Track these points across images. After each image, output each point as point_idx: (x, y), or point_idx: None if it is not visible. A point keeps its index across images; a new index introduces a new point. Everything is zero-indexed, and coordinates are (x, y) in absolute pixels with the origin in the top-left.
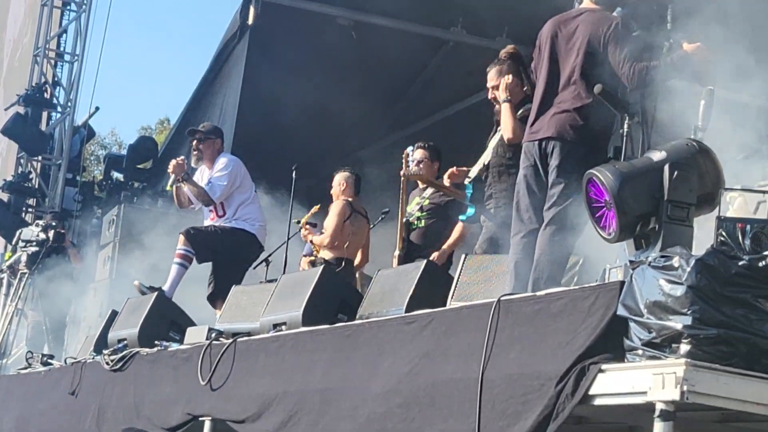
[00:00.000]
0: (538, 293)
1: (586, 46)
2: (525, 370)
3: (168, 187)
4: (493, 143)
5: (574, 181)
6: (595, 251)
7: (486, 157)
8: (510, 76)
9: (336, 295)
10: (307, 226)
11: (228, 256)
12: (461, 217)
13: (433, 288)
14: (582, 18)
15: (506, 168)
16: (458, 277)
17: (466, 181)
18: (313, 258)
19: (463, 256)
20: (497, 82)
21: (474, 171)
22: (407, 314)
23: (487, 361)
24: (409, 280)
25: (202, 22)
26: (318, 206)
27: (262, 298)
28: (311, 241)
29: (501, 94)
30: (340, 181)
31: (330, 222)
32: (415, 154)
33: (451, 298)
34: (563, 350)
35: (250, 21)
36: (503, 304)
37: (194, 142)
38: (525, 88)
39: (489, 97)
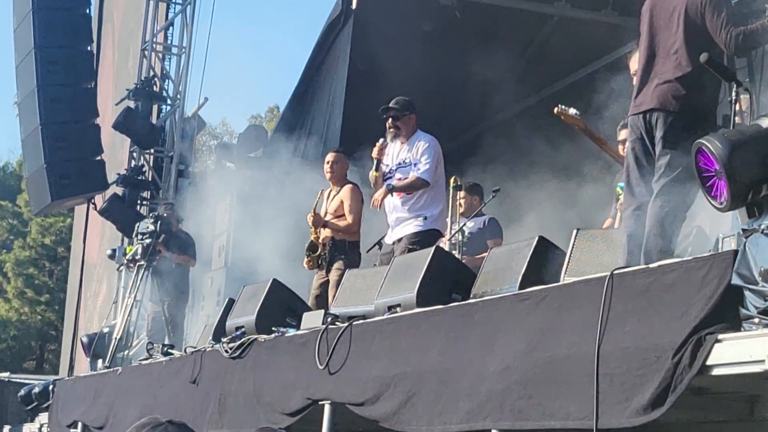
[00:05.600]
0: (651, 265)
1: (685, 15)
2: (641, 343)
3: (375, 173)
4: None
5: (681, 151)
6: (707, 221)
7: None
8: None
9: (449, 275)
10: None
11: None
12: (620, 185)
13: (545, 264)
14: None
15: None
16: (570, 252)
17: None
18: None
19: (574, 231)
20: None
21: None
22: (521, 291)
23: (602, 335)
24: (521, 258)
25: (306, 8)
26: (321, 190)
27: (376, 281)
28: (322, 227)
29: None
30: (342, 162)
31: (353, 207)
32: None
33: (564, 273)
34: (678, 322)
35: (354, 5)
36: (616, 277)
37: (390, 120)
38: None
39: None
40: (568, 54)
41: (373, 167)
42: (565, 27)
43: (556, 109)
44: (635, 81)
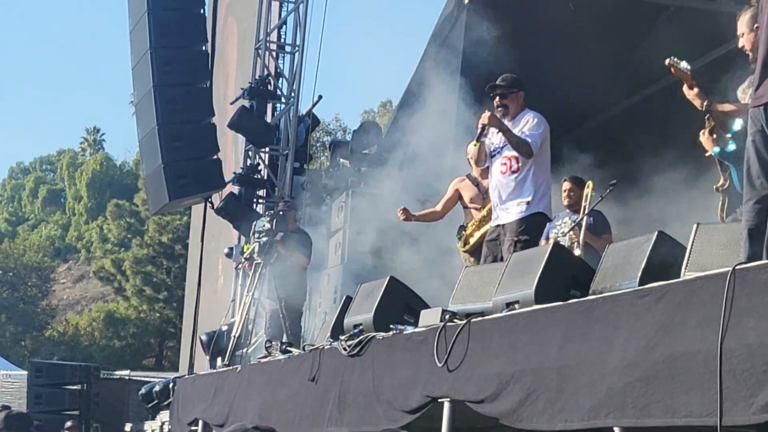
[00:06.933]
0: None
1: None
2: (765, 339)
3: (475, 143)
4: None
5: None
6: None
7: None
8: None
9: (567, 271)
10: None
11: None
12: (715, 150)
13: (665, 259)
14: None
15: None
16: (691, 247)
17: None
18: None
19: (695, 225)
20: (743, 30)
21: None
22: (641, 287)
23: (725, 331)
24: (640, 253)
25: (419, 3)
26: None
27: (494, 278)
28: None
29: None
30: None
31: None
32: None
33: (685, 268)
34: None
35: (466, 0)
36: (739, 272)
37: (497, 98)
38: None
39: (738, 45)
40: (684, 45)
41: (475, 137)
42: (682, 17)
43: (667, 61)
44: (756, 70)
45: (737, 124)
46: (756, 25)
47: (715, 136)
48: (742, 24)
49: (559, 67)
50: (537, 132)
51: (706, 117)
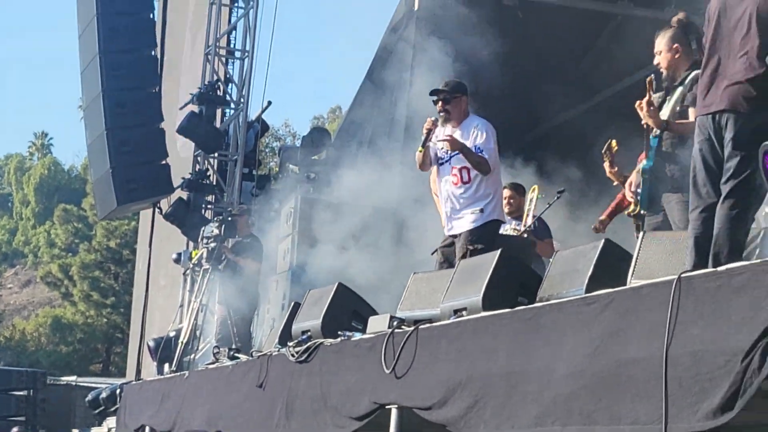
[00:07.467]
0: (719, 269)
1: (757, 17)
2: (709, 346)
3: (420, 149)
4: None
5: (751, 153)
6: None
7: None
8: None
9: (515, 279)
10: None
11: None
12: (642, 165)
13: (612, 267)
14: None
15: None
16: (637, 255)
17: (653, 135)
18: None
19: (641, 233)
20: (661, 49)
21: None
22: (588, 295)
23: (670, 339)
24: (587, 261)
25: (368, 10)
26: None
27: (442, 285)
28: None
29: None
30: None
31: None
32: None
33: (631, 276)
34: (747, 325)
35: (416, 7)
36: (684, 281)
37: (440, 103)
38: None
39: (654, 62)
40: (631, 53)
41: (420, 144)
42: (628, 26)
43: (649, 78)
44: (700, 80)
45: (653, 140)
46: (675, 45)
47: (616, 168)
48: (661, 43)
49: (506, 76)
50: (490, 146)
51: (603, 152)
